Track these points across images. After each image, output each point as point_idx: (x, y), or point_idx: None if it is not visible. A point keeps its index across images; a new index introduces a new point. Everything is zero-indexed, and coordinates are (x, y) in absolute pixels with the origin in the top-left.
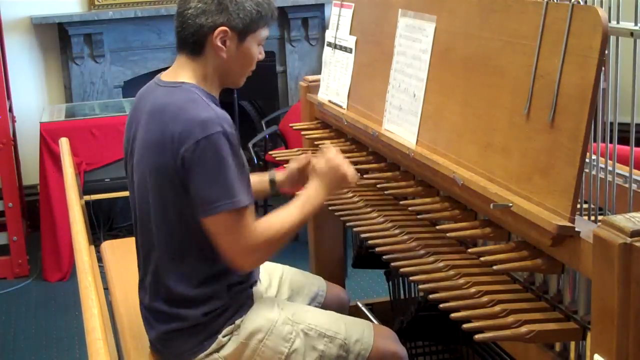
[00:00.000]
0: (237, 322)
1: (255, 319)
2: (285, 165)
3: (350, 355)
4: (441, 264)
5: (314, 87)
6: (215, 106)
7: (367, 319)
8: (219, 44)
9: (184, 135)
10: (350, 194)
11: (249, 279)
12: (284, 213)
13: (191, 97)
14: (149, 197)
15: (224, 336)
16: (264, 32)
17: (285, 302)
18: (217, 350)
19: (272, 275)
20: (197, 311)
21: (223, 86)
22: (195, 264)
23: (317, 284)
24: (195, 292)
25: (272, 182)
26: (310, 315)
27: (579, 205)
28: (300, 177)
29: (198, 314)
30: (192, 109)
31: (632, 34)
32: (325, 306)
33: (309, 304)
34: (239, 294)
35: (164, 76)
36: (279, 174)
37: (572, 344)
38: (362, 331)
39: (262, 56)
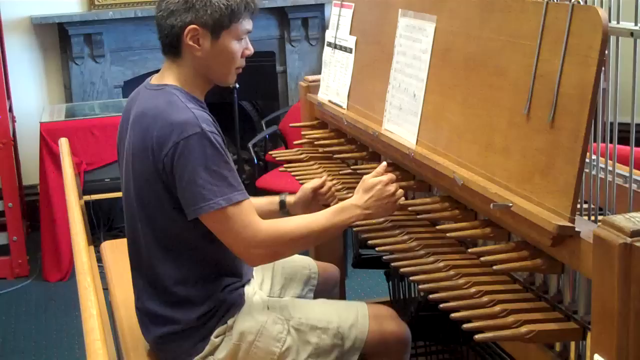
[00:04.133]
0: (230, 322)
1: (245, 320)
2: (301, 184)
3: (346, 341)
4: (441, 264)
5: (314, 87)
6: (195, 106)
7: None
8: (191, 42)
9: (162, 140)
10: (350, 194)
11: (243, 278)
12: (308, 216)
13: (170, 100)
14: (134, 202)
15: (216, 337)
16: (243, 26)
17: (275, 300)
18: (212, 353)
19: (264, 270)
20: (192, 314)
21: (210, 85)
22: (188, 265)
23: (308, 266)
24: (191, 292)
25: (282, 203)
26: (299, 310)
27: (579, 205)
28: (314, 200)
29: (192, 317)
30: (170, 112)
31: (632, 34)
32: (319, 286)
33: (303, 288)
34: (231, 294)
35: (153, 79)
36: (290, 197)
37: (572, 344)
38: (356, 315)
39: (249, 51)
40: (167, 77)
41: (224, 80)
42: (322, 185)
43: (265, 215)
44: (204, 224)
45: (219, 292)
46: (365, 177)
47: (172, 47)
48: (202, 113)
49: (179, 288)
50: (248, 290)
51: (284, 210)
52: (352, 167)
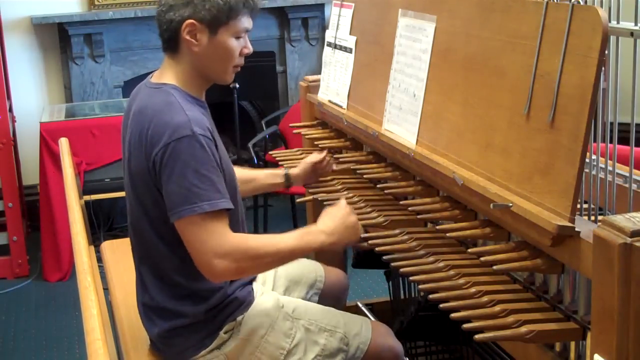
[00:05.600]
0: (239, 319)
1: (256, 316)
2: (298, 162)
3: (350, 348)
4: (441, 264)
5: (314, 87)
6: (191, 108)
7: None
8: (188, 37)
9: (155, 139)
10: (350, 194)
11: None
12: (276, 236)
13: (167, 100)
14: (134, 198)
15: (225, 332)
16: (241, 24)
17: (286, 298)
18: (219, 347)
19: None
20: (199, 308)
21: (209, 83)
22: (188, 259)
23: (314, 270)
24: (197, 286)
25: (287, 175)
26: (310, 311)
27: (579, 205)
28: (314, 173)
29: (200, 311)
30: (166, 113)
31: (632, 34)
32: (324, 291)
33: (308, 292)
34: (240, 290)
35: (153, 77)
36: (293, 169)
37: (572, 344)
38: (360, 326)
39: (247, 50)
40: (166, 75)
41: (221, 78)
42: (322, 160)
43: (269, 188)
44: (178, 229)
45: (227, 287)
46: (328, 207)
47: (170, 42)
48: (198, 116)
49: (185, 281)
50: (256, 287)
51: (288, 182)
52: (352, 167)
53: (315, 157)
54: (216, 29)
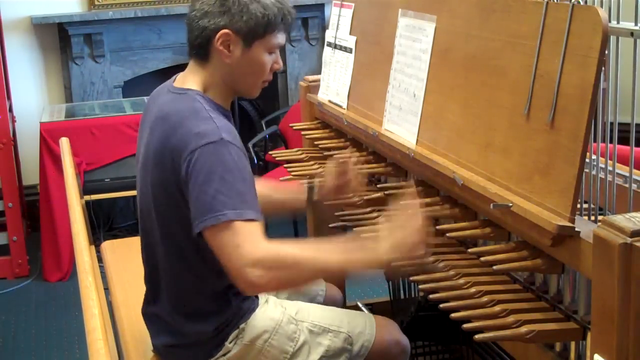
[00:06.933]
0: (242, 326)
1: (260, 321)
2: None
3: (354, 347)
4: (441, 264)
5: (314, 87)
6: (218, 116)
7: None
8: (221, 47)
9: (181, 148)
10: (350, 194)
11: None
12: (319, 244)
13: (193, 107)
14: (152, 209)
15: (229, 342)
16: (276, 39)
17: (288, 301)
18: (224, 354)
19: None
20: (208, 326)
21: (235, 95)
22: (203, 277)
23: (316, 282)
24: (205, 304)
25: (311, 189)
26: (313, 312)
27: (579, 205)
28: (341, 182)
29: (208, 330)
30: (191, 120)
31: (632, 34)
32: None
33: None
34: (244, 302)
35: (176, 81)
36: (317, 181)
37: (572, 344)
38: (364, 324)
39: (278, 66)
40: (191, 81)
41: (248, 92)
42: (344, 170)
43: (292, 208)
44: (206, 239)
45: (233, 301)
46: (388, 214)
47: (200, 49)
48: (226, 123)
49: (193, 299)
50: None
51: (311, 199)
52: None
53: (334, 171)
54: (251, 42)
